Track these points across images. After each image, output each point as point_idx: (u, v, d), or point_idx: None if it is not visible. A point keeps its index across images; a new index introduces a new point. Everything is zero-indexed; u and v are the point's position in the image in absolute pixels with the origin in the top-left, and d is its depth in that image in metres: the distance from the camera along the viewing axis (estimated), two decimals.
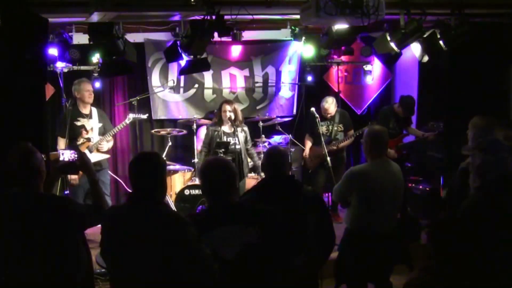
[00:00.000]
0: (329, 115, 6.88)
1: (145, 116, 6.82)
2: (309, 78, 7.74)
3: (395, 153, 6.62)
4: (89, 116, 6.16)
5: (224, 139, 6.48)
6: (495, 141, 3.43)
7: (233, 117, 6.47)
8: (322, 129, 6.78)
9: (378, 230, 4.06)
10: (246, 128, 6.71)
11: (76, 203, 3.32)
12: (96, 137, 6.15)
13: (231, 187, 3.01)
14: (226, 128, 6.58)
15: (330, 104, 6.83)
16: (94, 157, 6.07)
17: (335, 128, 6.91)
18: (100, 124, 6.21)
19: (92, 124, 6.15)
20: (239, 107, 6.87)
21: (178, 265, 2.73)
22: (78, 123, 6.06)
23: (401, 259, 4.36)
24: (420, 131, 7.09)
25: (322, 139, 6.49)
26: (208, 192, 3.06)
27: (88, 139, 6.10)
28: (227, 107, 6.52)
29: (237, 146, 6.48)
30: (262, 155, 6.83)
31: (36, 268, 3.08)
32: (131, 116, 6.53)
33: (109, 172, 6.88)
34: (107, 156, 6.39)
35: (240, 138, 6.49)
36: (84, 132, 6.09)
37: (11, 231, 3.09)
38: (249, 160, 6.76)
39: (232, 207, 2.97)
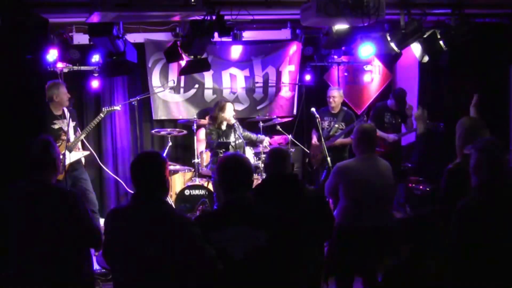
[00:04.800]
0: (333, 109, 6.97)
1: (118, 107, 6.81)
2: (309, 78, 7.74)
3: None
4: (62, 116, 6.14)
5: (225, 137, 6.46)
6: (490, 140, 3.45)
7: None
8: (324, 124, 6.83)
9: (365, 224, 4.12)
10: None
11: (83, 203, 3.29)
12: (72, 136, 6.18)
13: (244, 185, 3.00)
14: (223, 126, 6.58)
15: (335, 92, 7.02)
16: (74, 156, 6.14)
17: (336, 125, 6.92)
18: (74, 123, 6.23)
19: (67, 124, 6.15)
20: (239, 107, 6.87)
21: (181, 265, 2.73)
22: (55, 126, 6.04)
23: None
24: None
25: (321, 136, 6.52)
26: (222, 189, 3.07)
27: (67, 140, 6.11)
28: (231, 107, 6.55)
29: (239, 141, 6.47)
30: (262, 155, 6.83)
31: (36, 264, 3.08)
32: (104, 109, 6.55)
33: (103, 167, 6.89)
34: (86, 153, 6.43)
35: (238, 131, 6.54)
36: (63, 134, 6.09)
37: (18, 225, 3.11)
38: (253, 155, 6.80)
39: (244, 207, 2.96)
